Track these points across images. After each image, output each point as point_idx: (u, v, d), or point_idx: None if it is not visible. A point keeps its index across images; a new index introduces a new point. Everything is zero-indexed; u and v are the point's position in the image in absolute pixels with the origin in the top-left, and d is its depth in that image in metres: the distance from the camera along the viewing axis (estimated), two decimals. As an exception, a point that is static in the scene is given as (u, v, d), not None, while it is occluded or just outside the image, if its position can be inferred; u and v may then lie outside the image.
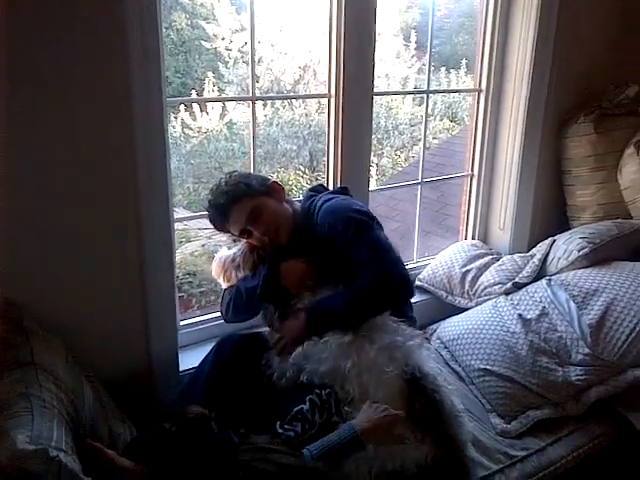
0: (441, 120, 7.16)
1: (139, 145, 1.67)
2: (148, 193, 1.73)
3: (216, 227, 1.86)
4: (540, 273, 2.31)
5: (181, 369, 1.95)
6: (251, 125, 2.14)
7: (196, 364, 1.77)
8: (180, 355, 1.97)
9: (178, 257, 2.08)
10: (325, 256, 1.77)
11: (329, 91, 2.16)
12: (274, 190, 1.85)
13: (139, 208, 1.72)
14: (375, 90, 2.22)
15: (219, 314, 2.09)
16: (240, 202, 1.77)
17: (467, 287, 2.40)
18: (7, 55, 1.44)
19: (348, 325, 1.64)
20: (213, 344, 1.79)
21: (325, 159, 2.29)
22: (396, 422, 1.47)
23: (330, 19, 2.08)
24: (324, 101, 2.21)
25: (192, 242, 4.74)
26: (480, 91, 2.62)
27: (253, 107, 2.12)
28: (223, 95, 6.45)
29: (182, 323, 2.09)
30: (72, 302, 1.69)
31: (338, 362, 1.58)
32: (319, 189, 1.98)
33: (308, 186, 5.75)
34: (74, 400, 1.37)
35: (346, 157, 2.21)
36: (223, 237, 1.96)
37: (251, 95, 2.12)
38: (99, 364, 1.69)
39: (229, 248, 1.90)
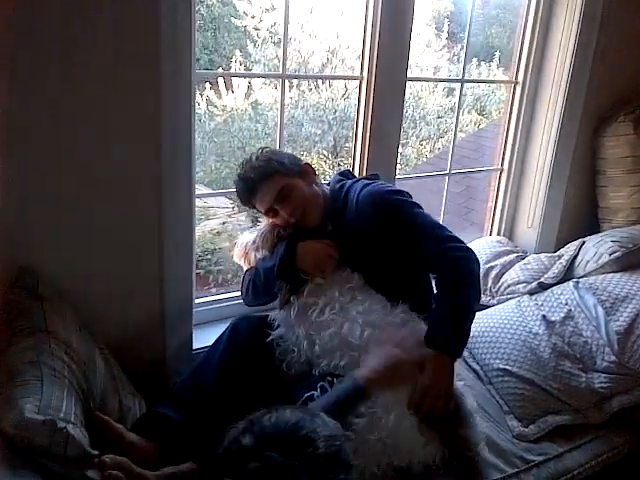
0: (469, 113, 7.02)
1: (165, 116, 1.63)
2: (171, 170, 1.69)
3: (242, 201, 1.81)
4: (567, 275, 2.25)
5: (194, 347, 1.92)
6: (279, 104, 2.09)
7: (210, 343, 1.74)
8: (194, 333, 1.93)
9: (197, 234, 2.05)
10: (351, 242, 1.73)
11: (361, 73, 2.10)
12: (306, 172, 1.80)
13: (161, 189, 1.69)
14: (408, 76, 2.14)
15: (235, 294, 2.08)
16: (271, 179, 1.72)
17: (490, 284, 2.34)
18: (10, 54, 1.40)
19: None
20: (228, 323, 1.75)
21: (349, 145, 2.23)
22: (399, 364, 1.43)
23: (367, -2, 2.01)
24: (350, 86, 2.16)
25: (211, 220, 4.73)
26: (516, 83, 2.54)
27: (282, 85, 2.07)
28: (250, 74, 6.40)
29: (197, 301, 2.05)
30: (89, 277, 1.66)
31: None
32: (347, 174, 1.94)
33: (330, 171, 5.73)
34: (86, 371, 1.35)
35: (374, 142, 2.15)
36: (242, 217, 1.93)
37: (281, 72, 2.07)
38: (111, 336, 1.67)
39: (251, 232, 1.86)
